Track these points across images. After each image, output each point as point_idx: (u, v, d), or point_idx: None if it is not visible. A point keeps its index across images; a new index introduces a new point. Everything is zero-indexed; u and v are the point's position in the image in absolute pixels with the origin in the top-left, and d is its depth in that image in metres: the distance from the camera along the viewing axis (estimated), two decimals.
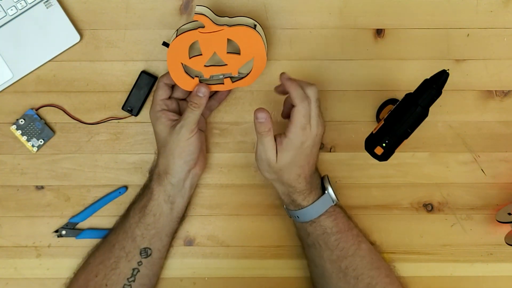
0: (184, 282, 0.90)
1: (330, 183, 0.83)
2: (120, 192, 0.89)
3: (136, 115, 0.89)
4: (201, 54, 0.81)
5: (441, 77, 0.75)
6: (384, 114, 0.85)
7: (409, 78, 0.89)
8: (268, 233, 0.90)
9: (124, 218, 0.85)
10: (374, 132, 0.78)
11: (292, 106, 0.78)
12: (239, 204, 0.90)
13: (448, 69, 0.75)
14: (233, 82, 0.83)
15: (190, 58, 0.81)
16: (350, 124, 0.89)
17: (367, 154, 0.89)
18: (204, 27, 0.78)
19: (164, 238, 0.85)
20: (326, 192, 0.82)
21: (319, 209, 0.82)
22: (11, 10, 0.85)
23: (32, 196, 0.90)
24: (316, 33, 0.88)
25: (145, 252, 0.83)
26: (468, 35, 0.88)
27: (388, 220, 0.89)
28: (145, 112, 0.89)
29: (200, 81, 0.83)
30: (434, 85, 0.75)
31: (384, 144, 0.76)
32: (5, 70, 0.87)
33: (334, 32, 0.88)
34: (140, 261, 0.83)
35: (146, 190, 0.84)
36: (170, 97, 0.85)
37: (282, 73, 0.79)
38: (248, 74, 0.83)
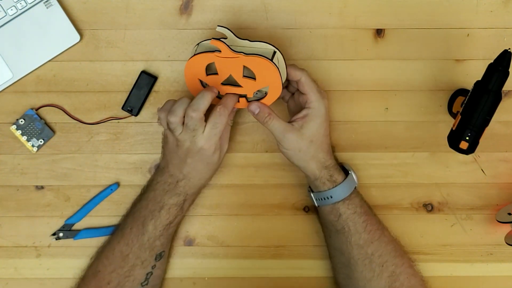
0: (184, 282, 0.90)
1: (350, 166, 0.86)
2: (112, 189, 0.89)
3: (136, 115, 0.89)
4: (217, 74, 0.81)
5: (504, 58, 0.75)
6: (457, 106, 0.85)
7: (409, 78, 0.89)
8: (268, 233, 0.90)
9: (139, 231, 0.83)
10: (454, 129, 0.78)
11: (290, 96, 0.83)
12: (239, 204, 0.90)
13: (510, 48, 0.75)
14: (248, 101, 0.83)
15: (207, 75, 0.81)
16: (350, 124, 0.89)
17: (367, 154, 0.89)
18: (220, 51, 0.78)
19: (173, 238, 0.88)
20: (350, 172, 0.84)
21: (351, 186, 0.83)
22: (11, 10, 0.85)
23: (32, 196, 0.90)
24: (316, 33, 0.88)
25: (160, 256, 0.84)
26: (468, 35, 0.89)
27: (388, 220, 0.89)
28: (145, 112, 0.89)
29: (217, 97, 0.82)
30: (500, 67, 0.75)
31: (467, 138, 0.76)
32: (5, 70, 0.87)
33: (334, 32, 0.88)
34: (155, 265, 0.84)
35: (172, 208, 0.83)
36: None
37: None
38: (263, 97, 0.82)
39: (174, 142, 0.81)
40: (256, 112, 0.81)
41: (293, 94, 0.86)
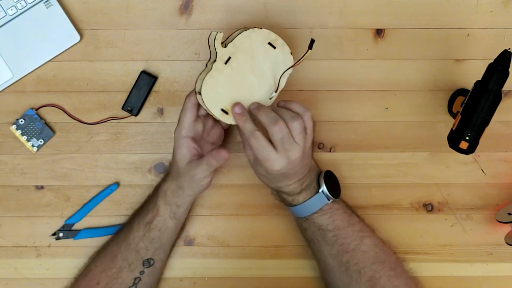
0: (184, 282, 0.90)
1: (329, 180, 0.83)
2: (111, 189, 0.89)
3: (136, 115, 0.89)
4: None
5: (504, 58, 0.75)
6: (457, 106, 0.85)
7: (409, 78, 0.89)
8: (268, 233, 0.90)
9: (128, 230, 0.84)
10: (454, 128, 0.78)
11: None
12: (239, 204, 0.90)
13: (510, 48, 0.75)
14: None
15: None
16: (350, 124, 0.89)
17: (367, 154, 0.89)
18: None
19: (167, 249, 0.86)
20: (320, 190, 0.82)
21: (311, 207, 0.82)
22: (11, 10, 0.85)
23: (32, 196, 0.90)
24: (316, 33, 0.88)
25: (148, 263, 0.83)
26: (468, 35, 0.88)
27: (388, 220, 0.89)
28: (145, 112, 0.89)
29: None
30: (500, 67, 0.75)
31: (467, 138, 0.76)
32: (5, 70, 0.87)
33: (334, 32, 0.88)
34: (143, 271, 0.83)
35: (151, 205, 0.83)
36: (197, 117, 0.81)
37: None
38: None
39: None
40: (238, 111, 0.78)
41: None
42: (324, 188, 0.82)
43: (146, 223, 0.82)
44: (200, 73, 0.79)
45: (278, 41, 0.80)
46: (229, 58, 0.78)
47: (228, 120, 0.80)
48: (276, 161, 0.77)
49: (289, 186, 0.81)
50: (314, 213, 0.82)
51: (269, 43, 0.80)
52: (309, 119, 0.78)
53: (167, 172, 0.86)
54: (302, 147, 0.77)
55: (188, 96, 0.80)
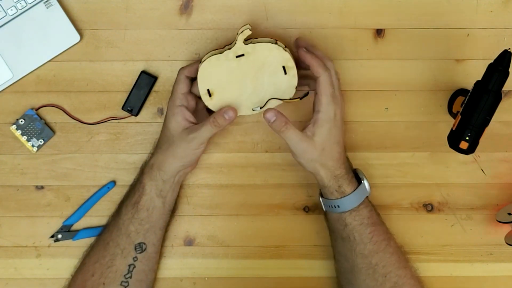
0: (184, 282, 0.90)
1: (364, 175, 0.84)
2: (108, 188, 0.89)
3: (136, 115, 0.89)
4: None
5: (504, 58, 0.75)
6: (457, 106, 0.85)
7: (409, 78, 0.89)
8: (268, 233, 0.90)
9: (117, 215, 0.85)
10: (454, 129, 0.78)
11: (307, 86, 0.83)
12: (239, 204, 0.90)
13: (510, 48, 0.75)
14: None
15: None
16: (350, 124, 0.89)
17: (367, 154, 0.89)
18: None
19: (158, 232, 0.85)
20: (362, 181, 0.83)
21: (360, 197, 0.82)
22: (11, 10, 0.85)
23: (32, 196, 0.90)
24: (316, 33, 0.88)
25: (140, 247, 0.83)
26: (468, 35, 0.88)
27: (388, 220, 0.89)
28: (145, 112, 0.89)
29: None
30: (500, 67, 0.75)
31: (467, 138, 0.76)
32: (5, 70, 0.87)
33: (334, 32, 0.88)
34: (136, 257, 0.83)
35: (137, 185, 0.84)
36: (190, 91, 0.83)
37: (298, 40, 0.82)
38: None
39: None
40: (272, 120, 0.79)
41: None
42: (365, 180, 0.83)
43: (134, 203, 0.83)
44: (214, 50, 0.81)
45: (291, 71, 0.80)
46: (242, 55, 0.80)
47: (208, 102, 0.81)
48: (328, 106, 0.79)
49: (344, 164, 0.81)
50: (361, 204, 0.82)
51: (283, 67, 0.80)
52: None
53: (155, 147, 0.86)
54: (343, 104, 0.81)
55: (181, 68, 0.82)
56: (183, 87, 0.82)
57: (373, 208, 0.85)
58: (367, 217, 0.82)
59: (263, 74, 0.80)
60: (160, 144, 0.84)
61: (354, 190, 0.82)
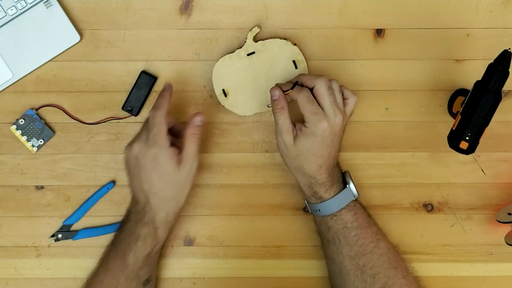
0: (184, 282, 0.90)
1: (351, 178, 0.84)
2: (108, 188, 0.89)
3: (136, 115, 0.89)
4: None
5: (504, 58, 0.75)
6: (457, 106, 0.85)
7: (409, 78, 0.89)
8: (268, 233, 0.90)
9: (123, 265, 0.81)
10: (454, 129, 0.78)
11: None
12: (239, 204, 0.90)
13: (510, 48, 0.75)
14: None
15: None
16: (350, 124, 0.89)
17: (367, 154, 0.89)
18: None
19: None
20: (347, 186, 0.83)
21: (341, 202, 0.82)
22: (11, 10, 0.85)
23: (32, 196, 0.90)
24: (316, 33, 0.88)
25: (148, 281, 0.83)
26: (468, 35, 0.89)
27: (388, 220, 0.89)
28: (145, 112, 0.89)
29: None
30: (500, 67, 0.75)
31: (467, 138, 0.76)
32: (5, 70, 0.87)
33: (334, 32, 0.88)
34: None
35: (148, 238, 0.81)
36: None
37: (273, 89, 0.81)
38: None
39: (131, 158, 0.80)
40: (275, 97, 0.80)
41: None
42: (351, 184, 0.83)
43: (146, 255, 0.81)
44: (228, 53, 0.84)
45: (302, 65, 0.84)
46: (253, 52, 0.83)
47: (224, 102, 0.85)
48: (323, 118, 0.78)
49: (322, 175, 0.81)
50: (342, 209, 0.82)
51: (294, 61, 0.82)
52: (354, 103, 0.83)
53: (148, 202, 0.81)
54: (343, 117, 0.80)
55: (153, 111, 0.79)
56: (165, 129, 0.79)
57: (360, 210, 0.84)
58: (350, 221, 0.82)
59: (275, 70, 0.83)
60: (154, 193, 0.80)
61: (334, 196, 0.81)
